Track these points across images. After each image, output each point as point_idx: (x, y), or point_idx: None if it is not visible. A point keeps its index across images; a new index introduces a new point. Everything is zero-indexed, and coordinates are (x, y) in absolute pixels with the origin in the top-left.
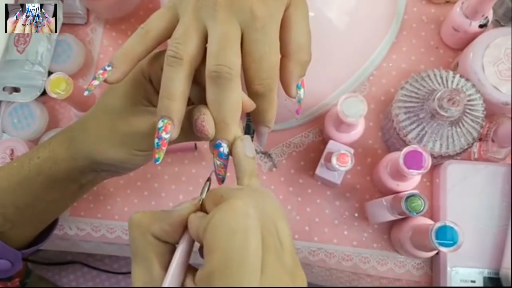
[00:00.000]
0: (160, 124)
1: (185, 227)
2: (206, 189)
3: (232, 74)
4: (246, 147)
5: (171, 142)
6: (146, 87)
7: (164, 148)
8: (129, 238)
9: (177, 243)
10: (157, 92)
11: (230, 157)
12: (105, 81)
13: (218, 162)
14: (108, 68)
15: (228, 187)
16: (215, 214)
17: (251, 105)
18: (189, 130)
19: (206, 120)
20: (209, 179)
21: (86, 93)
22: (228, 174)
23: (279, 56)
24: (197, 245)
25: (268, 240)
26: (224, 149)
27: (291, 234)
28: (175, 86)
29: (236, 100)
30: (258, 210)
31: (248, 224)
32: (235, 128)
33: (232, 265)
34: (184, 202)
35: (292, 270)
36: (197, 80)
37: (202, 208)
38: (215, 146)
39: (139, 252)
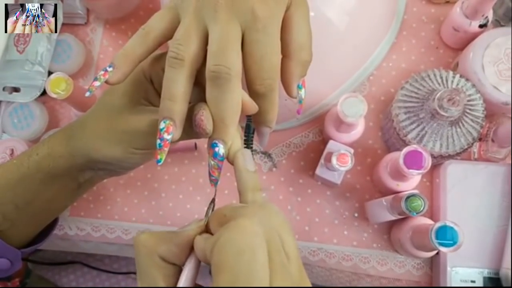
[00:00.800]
0: (162, 125)
1: (191, 249)
2: (210, 210)
3: (231, 75)
4: (247, 160)
5: (172, 142)
6: (147, 88)
7: (166, 149)
8: (136, 259)
9: (183, 264)
10: (158, 93)
11: (225, 160)
12: (106, 82)
13: (212, 162)
14: (109, 69)
15: (232, 206)
16: (222, 234)
17: (253, 107)
18: (189, 128)
19: (205, 115)
20: (213, 200)
21: (87, 94)
22: (228, 174)
23: (280, 56)
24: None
25: (275, 255)
26: (220, 149)
27: (297, 246)
28: (177, 87)
29: (235, 101)
30: (264, 227)
31: (255, 242)
32: (234, 129)
33: (240, 283)
34: (190, 224)
35: (298, 281)
36: (199, 81)
37: (207, 229)
38: (211, 145)
39: (146, 273)
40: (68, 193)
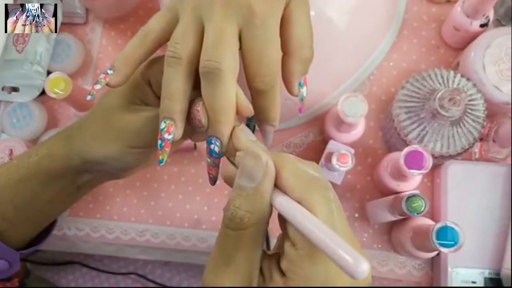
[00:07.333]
0: (163, 125)
1: None
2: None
3: (221, 70)
4: (247, 134)
5: (173, 143)
6: (145, 90)
7: (168, 149)
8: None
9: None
10: (156, 96)
11: (221, 157)
12: (107, 84)
13: (209, 160)
14: (110, 72)
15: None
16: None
17: (248, 109)
18: (187, 126)
19: (201, 106)
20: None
21: (88, 97)
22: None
23: (280, 53)
24: None
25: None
26: (215, 147)
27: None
28: (175, 86)
29: (227, 97)
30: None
31: None
32: (228, 128)
33: None
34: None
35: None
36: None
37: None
38: (207, 142)
39: None
40: (67, 196)
